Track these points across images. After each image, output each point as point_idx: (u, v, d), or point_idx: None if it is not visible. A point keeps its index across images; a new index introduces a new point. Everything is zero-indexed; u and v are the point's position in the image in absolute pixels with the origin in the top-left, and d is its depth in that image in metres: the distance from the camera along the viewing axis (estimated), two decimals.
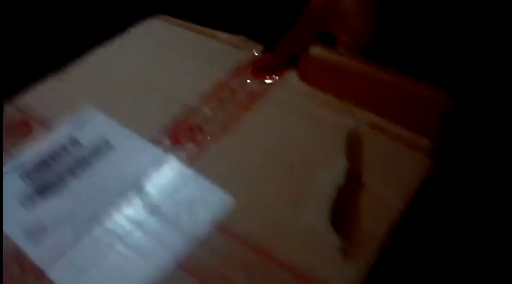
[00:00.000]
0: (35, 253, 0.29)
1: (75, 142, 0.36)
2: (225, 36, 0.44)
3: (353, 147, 0.33)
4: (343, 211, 0.30)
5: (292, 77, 0.39)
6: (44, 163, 0.34)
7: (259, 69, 0.40)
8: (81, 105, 0.38)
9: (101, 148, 0.35)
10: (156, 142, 0.35)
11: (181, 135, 0.35)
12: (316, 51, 0.37)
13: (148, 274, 0.28)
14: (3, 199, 0.32)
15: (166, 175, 0.33)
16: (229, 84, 0.39)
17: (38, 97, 0.40)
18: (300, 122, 0.36)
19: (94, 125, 0.37)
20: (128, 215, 0.31)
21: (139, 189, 0.32)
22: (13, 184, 0.33)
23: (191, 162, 0.34)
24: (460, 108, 0.31)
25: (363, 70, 0.35)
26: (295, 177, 0.32)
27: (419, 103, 0.33)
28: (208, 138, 0.35)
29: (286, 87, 0.38)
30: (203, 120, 0.36)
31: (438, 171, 0.32)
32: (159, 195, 0.32)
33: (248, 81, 0.39)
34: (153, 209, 0.31)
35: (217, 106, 0.38)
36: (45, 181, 0.33)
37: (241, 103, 0.38)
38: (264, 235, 0.29)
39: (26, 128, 0.37)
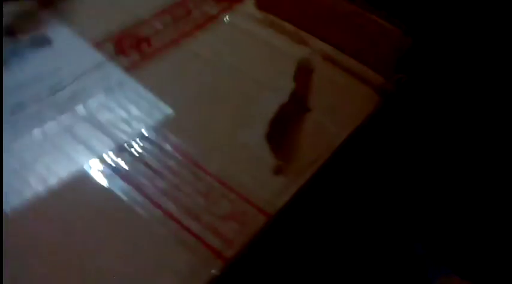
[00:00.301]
0: None
1: (10, 31, 0.33)
2: None
3: (302, 73, 0.32)
4: (282, 131, 0.29)
5: (250, 3, 0.37)
6: None
7: None
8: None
9: (38, 42, 0.33)
10: (99, 47, 0.33)
11: (127, 44, 0.33)
12: None
13: (70, 174, 0.26)
14: None
15: (104, 79, 0.31)
16: (186, 3, 0.37)
17: None
18: (252, 47, 0.35)
19: (36, 20, 0.34)
20: (56, 114, 0.29)
21: (73, 91, 0.30)
22: None
23: (132, 70, 0.32)
24: (416, 45, 0.31)
25: None
26: (238, 96, 0.31)
27: (375, 37, 0.32)
28: (154, 49, 0.33)
29: (244, 12, 0.37)
30: (152, 33, 0.35)
31: (388, 108, 0.32)
32: (92, 99, 0.30)
33: (205, 3, 0.37)
34: (86, 113, 0.29)
35: (170, 22, 0.36)
36: None
37: (195, 22, 0.36)
38: (198, 146, 0.28)
39: None
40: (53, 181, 0.26)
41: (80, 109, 0.29)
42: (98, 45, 0.33)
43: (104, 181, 0.26)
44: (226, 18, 0.36)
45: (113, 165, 0.27)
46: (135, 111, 0.30)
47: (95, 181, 0.26)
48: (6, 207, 0.25)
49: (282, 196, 0.27)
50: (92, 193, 0.26)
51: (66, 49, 0.33)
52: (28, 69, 0.31)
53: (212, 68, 0.33)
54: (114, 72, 0.32)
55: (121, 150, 0.28)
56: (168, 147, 0.28)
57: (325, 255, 0.30)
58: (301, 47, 0.34)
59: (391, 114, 0.32)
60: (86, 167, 0.27)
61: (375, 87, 0.32)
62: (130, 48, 0.33)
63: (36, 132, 0.28)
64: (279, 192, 0.27)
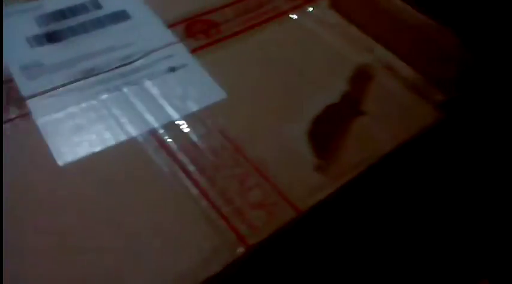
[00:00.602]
0: (25, 86, 0.30)
1: (95, 3, 0.36)
2: None
3: (360, 78, 0.31)
4: (328, 130, 0.29)
5: (323, 4, 0.37)
6: (61, 13, 0.35)
7: None
8: None
9: (118, 16, 0.35)
10: (171, 27, 0.35)
11: (197, 28, 0.35)
12: None
13: (119, 141, 0.28)
14: (12, 34, 0.33)
15: (170, 58, 0.33)
16: None
17: None
18: (314, 46, 0.35)
19: None
20: (120, 84, 0.31)
21: (139, 65, 0.32)
22: (26, 23, 0.34)
23: (198, 53, 0.33)
24: (479, 65, 0.29)
25: (394, 8, 0.33)
26: (291, 91, 0.32)
27: (442, 51, 0.31)
28: (222, 36, 0.35)
29: (314, 12, 0.37)
30: (223, 20, 0.36)
31: (444, 124, 0.30)
32: (155, 75, 0.32)
33: None
34: (146, 87, 0.31)
35: (241, 12, 0.37)
36: (57, 29, 0.34)
37: (265, 15, 0.37)
38: (243, 133, 0.29)
39: None
40: (102, 145, 0.28)
41: (142, 83, 0.31)
42: (171, 25, 0.35)
43: (149, 153, 0.28)
44: (296, 15, 0.37)
45: (161, 139, 0.29)
46: (191, 91, 0.31)
47: (141, 151, 0.28)
48: (60, 161, 0.27)
49: (316, 195, 0.27)
50: (135, 162, 0.28)
51: (142, 26, 0.35)
52: (104, 40, 0.33)
53: (271, 61, 0.33)
54: (181, 53, 0.33)
55: (171, 125, 0.29)
56: (215, 128, 0.29)
57: (346, 261, 0.30)
58: (364, 53, 0.34)
59: (448, 131, 0.31)
60: (134, 137, 0.28)
61: (433, 102, 0.31)
62: (199, 32, 0.35)
63: (98, 97, 0.30)
64: (314, 191, 0.27)
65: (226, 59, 0.33)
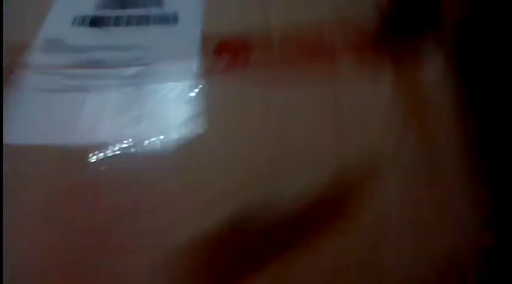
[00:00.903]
0: (34, 57, 0.31)
1: (158, 0, 0.34)
2: None
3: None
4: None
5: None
6: (120, 2, 0.34)
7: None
8: None
9: (166, 18, 0.33)
10: (204, 39, 0.31)
11: (228, 47, 0.31)
12: None
13: (79, 141, 0.27)
14: (67, 8, 0.34)
15: (178, 73, 0.30)
16: (323, 29, 0.31)
17: None
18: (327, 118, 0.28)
19: None
20: (118, 84, 0.30)
21: (146, 70, 0.30)
22: (86, 3, 0.34)
23: (213, 74, 0.30)
24: None
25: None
26: (277, 158, 0.27)
27: None
28: (248, 63, 0.30)
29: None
30: (260, 46, 0.31)
31: None
32: (156, 85, 0.30)
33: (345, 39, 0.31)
34: (141, 94, 0.29)
35: (288, 42, 0.31)
36: (106, 15, 0.33)
37: (312, 55, 0.30)
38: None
39: None
40: (60, 140, 0.27)
41: (134, 89, 0.29)
42: (206, 38, 0.31)
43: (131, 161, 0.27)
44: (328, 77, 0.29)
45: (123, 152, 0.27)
46: (175, 112, 0.28)
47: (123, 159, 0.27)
48: (10, 141, 0.27)
49: None
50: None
51: (179, 32, 0.32)
52: (136, 37, 0.32)
53: (278, 115, 0.28)
54: (193, 69, 0.30)
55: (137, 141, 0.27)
56: (174, 161, 0.26)
57: None
58: None
59: None
60: (98, 141, 0.27)
61: None
62: (227, 51, 0.30)
63: (86, 91, 0.29)
64: None
65: (233, 91, 0.29)
